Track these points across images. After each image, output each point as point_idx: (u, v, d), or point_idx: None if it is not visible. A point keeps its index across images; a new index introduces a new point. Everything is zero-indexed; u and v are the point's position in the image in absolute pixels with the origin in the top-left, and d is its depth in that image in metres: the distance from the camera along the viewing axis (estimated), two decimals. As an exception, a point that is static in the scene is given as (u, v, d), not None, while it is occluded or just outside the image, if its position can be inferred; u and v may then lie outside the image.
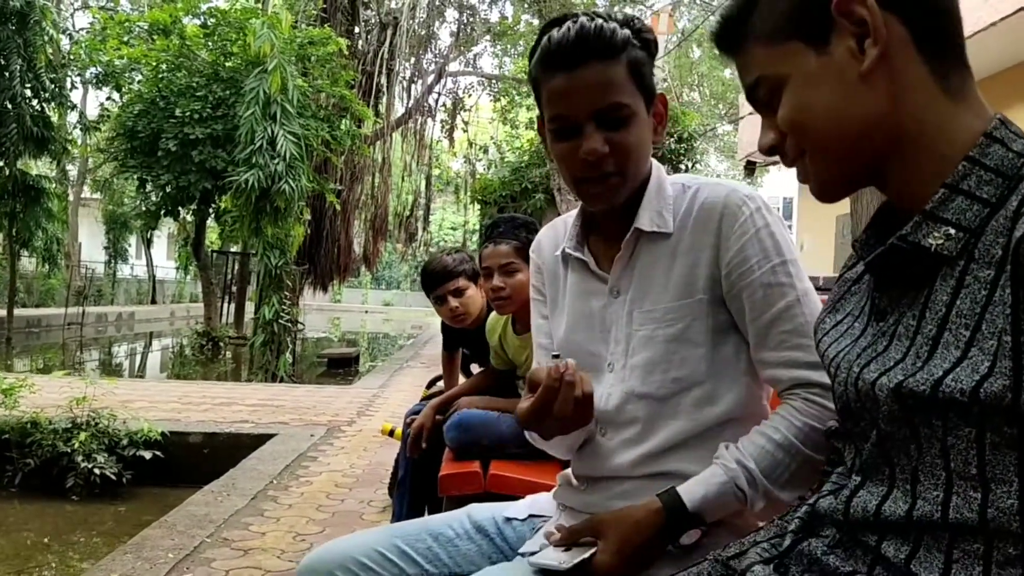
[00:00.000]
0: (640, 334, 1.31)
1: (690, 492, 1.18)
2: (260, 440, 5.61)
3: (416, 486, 3.10)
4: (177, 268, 31.34)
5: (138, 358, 17.20)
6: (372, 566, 1.37)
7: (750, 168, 17.51)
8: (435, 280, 3.13)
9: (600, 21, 1.24)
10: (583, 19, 1.24)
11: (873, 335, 0.86)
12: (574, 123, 1.25)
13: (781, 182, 25.02)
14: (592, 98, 1.24)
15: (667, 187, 1.34)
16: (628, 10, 22.84)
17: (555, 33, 1.25)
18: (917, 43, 0.82)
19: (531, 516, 1.45)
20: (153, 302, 29.55)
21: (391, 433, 4.35)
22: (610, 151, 1.25)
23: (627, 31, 1.26)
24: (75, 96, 16.85)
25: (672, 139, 12.50)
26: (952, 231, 0.77)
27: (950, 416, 0.74)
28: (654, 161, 1.36)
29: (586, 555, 1.18)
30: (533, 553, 1.27)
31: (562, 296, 1.45)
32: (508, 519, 1.45)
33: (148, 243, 29.29)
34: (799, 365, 1.22)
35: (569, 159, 1.28)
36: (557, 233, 1.49)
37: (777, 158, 0.95)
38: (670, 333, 1.28)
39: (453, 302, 3.10)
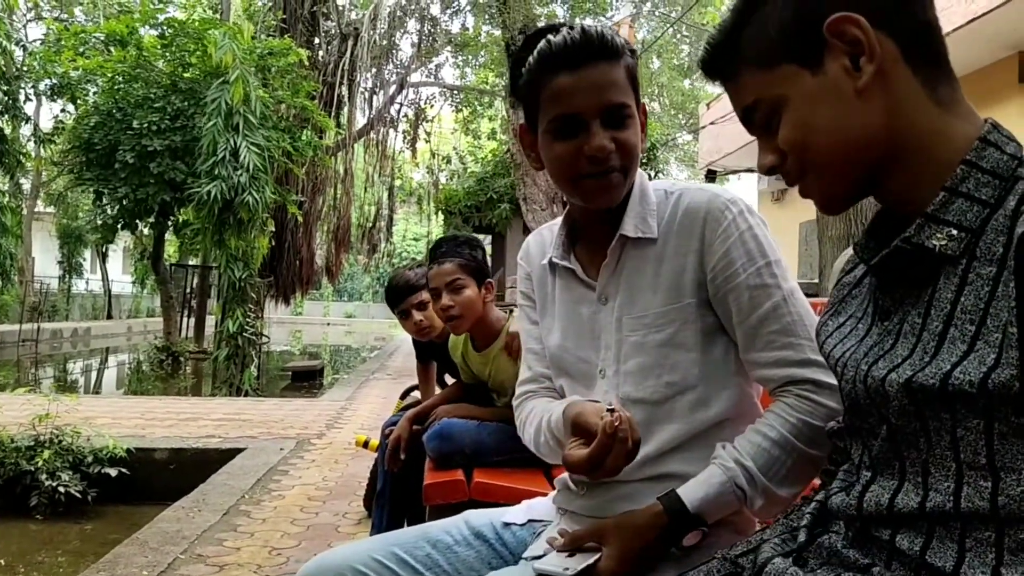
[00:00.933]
0: (631, 340, 1.32)
1: (690, 494, 1.19)
2: (228, 455, 5.52)
3: (396, 497, 3.09)
4: (133, 282, 30.77)
5: (95, 375, 16.84)
6: (371, 574, 1.36)
7: (710, 177, 17.75)
8: (399, 295, 3.16)
9: (597, 27, 1.27)
10: (580, 25, 1.27)
11: (879, 334, 0.88)
12: (580, 121, 1.26)
13: (740, 191, 25.37)
14: (600, 96, 1.25)
15: (650, 193, 1.36)
16: (588, 21, 23.06)
17: (554, 37, 1.26)
18: (907, 58, 0.85)
19: (530, 521, 1.45)
20: (109, 317, 28.93)
21: (366, 444, 4.33)
22: (616, 148, 1.27)
23: (621, 39, 1.29)
24: (29, 108, 16.48)
25: (634, 148, 12.64)
26: (955, 232, 0.80)
27: (958, 408, 0.77)
28: (638, 169, 1.38)
29: (590, 560, 1.18)
30: (537, 557, 1.27)
31: (551, 303, 1.47)
32: (507, 524, 1.46)
33: (103, 257, 28.72)
34: (789, 363, 1.24)
35: (571, 157, 1.28)
36: (544, 241, 1.51)
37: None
38: (660, 338, 1.30)
39: (417, 316, 3.13)
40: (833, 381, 1.00)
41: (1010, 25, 8.45)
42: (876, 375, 0.84)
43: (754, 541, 1.02)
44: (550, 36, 1.27)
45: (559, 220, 1.47)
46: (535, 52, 1.28)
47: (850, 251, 1.05)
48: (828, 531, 0.91)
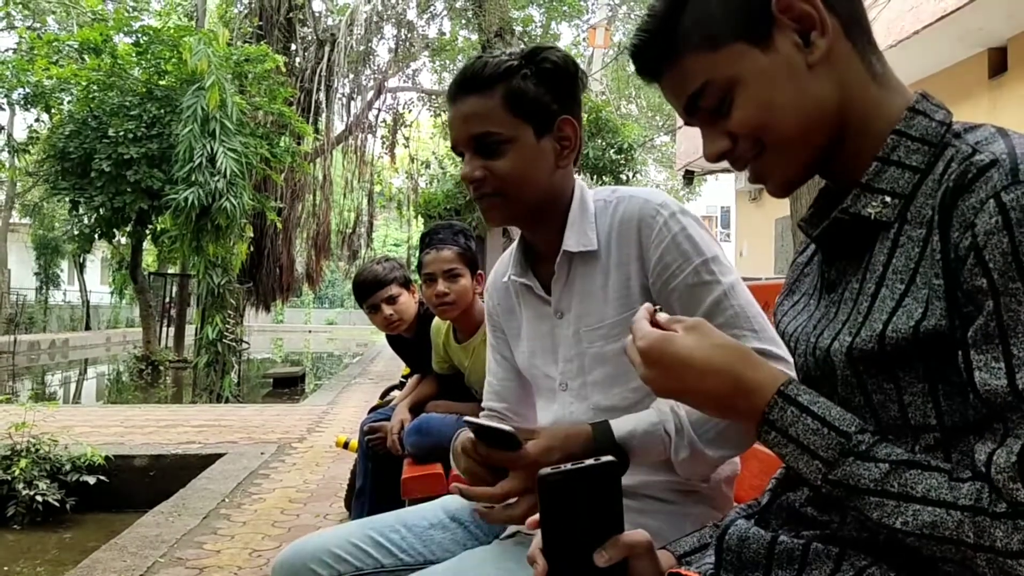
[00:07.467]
0: (591, 352, 1.34)
1: (620, 426, 1.20)
2: (208, 460, 5.49)
3: (375, 494, 3.09)
4: (112, 293, 30.48)
5: (75, 386, 16.67)
6: (347, 558, 1.37)
7: (688, 178, 17.85)
8: (367, 290, 3.14)
9: (485, 58, 1.33)
10: (480, 57, 1.35)
11: (826, 306, 0.91)
12: (458, 151, 1.35)
13: (719, 192, 25.53)
14: (467, 127, 1.32)
15: (590, 205, 1.37)
16: (564, 25, 23.15)
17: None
18: (847, 32, 0.86)
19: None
20: (87, 328, 28.66)
21: (346, 445, 4.31)
22: (488, 175, 1.31)
23: (513, 63, 1.31)
24: (2, 118, 16.35)
25: (612, 150, 12.70)
26: (888, 199, 0.83)
27: (900, 376, 0.79)
28: (577, 180, 1.40)
29: None
30: (512, 536, 1.28)
31: (518, 323, 1.49)
32: (482, 508, 1.47)
33: (81, 268, 28.47)
34: None
35: (464, 184, 1.37)
36: (504, 265, 1.53)
37: (717, 166, 0.97)
38: (618, 347, 1.31)
39: (387, 310, 3.11)
40: (787, 359, 1.01)
41: (980, 22, 8.56)
42: (822, 345, 0.86)
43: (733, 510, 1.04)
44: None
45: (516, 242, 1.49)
46: None
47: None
48: (788, 492, 0.93)
